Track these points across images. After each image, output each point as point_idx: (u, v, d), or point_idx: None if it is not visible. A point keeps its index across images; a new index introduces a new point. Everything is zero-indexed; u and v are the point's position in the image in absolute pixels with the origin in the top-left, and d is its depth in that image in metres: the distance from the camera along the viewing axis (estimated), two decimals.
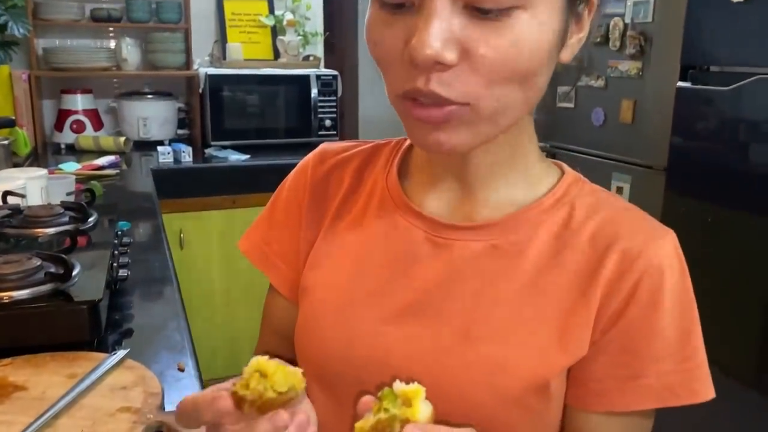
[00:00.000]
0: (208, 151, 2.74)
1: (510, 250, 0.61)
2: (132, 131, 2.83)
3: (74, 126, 2.74)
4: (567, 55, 0.57)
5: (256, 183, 2.48)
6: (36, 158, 2.56)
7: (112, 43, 2.87)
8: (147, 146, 2.75)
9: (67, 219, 1.28)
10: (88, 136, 2.71)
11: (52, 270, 0.96)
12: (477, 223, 0.62)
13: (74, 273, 0.96)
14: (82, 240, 1.19)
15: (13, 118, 1.88)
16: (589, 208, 0.62)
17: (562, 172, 0.65)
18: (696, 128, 1.91)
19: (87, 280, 0.98)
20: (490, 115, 0.53)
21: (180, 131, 3.00)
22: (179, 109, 2.99)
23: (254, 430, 0.48)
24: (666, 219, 2.00)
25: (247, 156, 2.66)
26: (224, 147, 2.77)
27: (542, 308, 0.59)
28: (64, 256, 0.99)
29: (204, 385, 0.90)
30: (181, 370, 0.91)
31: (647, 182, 2.14)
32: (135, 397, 0.80)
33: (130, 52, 2.81)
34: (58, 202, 1.43)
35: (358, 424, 0.46)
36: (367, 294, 0.64)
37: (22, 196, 1.35)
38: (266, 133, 2.85)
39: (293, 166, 0.76)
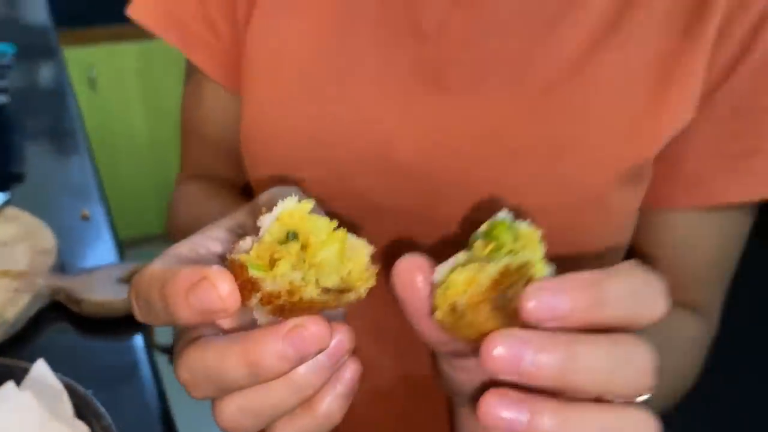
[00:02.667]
0: None
1: None
2: None
3: None
4: None
5: None
6: None
7: None
8: None
9: None
10: None
11: None
12: None
13: None
14: None
15: None
16: None
17: None
18: None
19: None
20: None
21: None
22: None
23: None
24: None
25: None
26: None
27: (626, 63, 0.40)
28: None
29: (121, 243, 0.67)
30: (86, 218, 0.67)
31: None
32: (19, 257, 0.59)
33: None
34: None
35: (457, 275, 0.26)
36: (350, 62, 0.43)
37: None
38: None
39: None
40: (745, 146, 0.42)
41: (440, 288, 0.26)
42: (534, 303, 0.23)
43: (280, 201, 0.26)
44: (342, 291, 0.26)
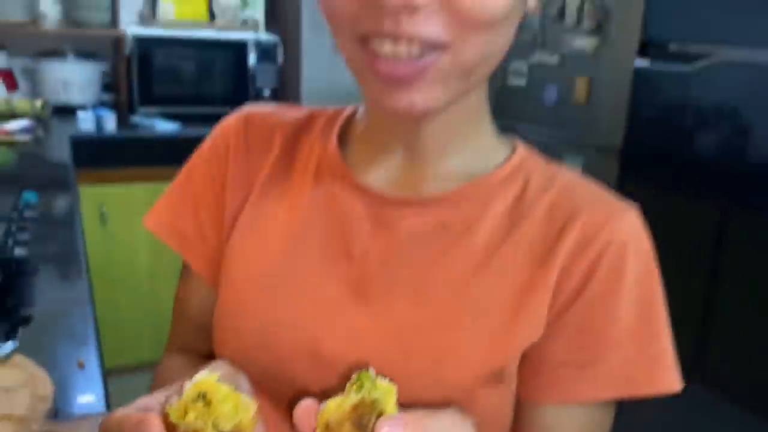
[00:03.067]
0: (134, 118, 2.54)
1: (459, 228, 0.55)
2: (51, 94, 2.59)
3: None
4: (533, 2, 0.52)
5: (185, 154, 2.29)
6: None
7: None
8: (68, 111, 2.52)
9: None
10: (0, 99, 2.46)
11: None
12: (424, 197, 0.56)
13: None
14: None
15: None
16: (545, 179, 0.57)
17: (516, 146, 0.60)
18: (654, 110, 1.85)
19: None
20: (466, 65, 0.48)
21: (104, 96, 2.78)
22: (104, 72, 2.76)
23: None
24: None
25: (177, 125, 2.48)
26: (152, 114, 2.57)
27: (494, 288, 0.53)
28: None
29: (106, 376, 0.76)
30: (81, 366, 0.76)
31: (600, 164, 2.08)
32: (19, 402, 0.66)
33: (50, 6, 2.56)
34: None
35: (331, 402, 0.41)
36: (297, 276, 0.56)
37: None
38: (198, 101, 2.66)
39: None
40: (588, 357, 0.52)
41: (320, 412, 0.40)
42: (384, 429, 0.38)
43: (198, 373, 0.41)
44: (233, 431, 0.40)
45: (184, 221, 0.63)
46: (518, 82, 2.42)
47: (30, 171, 1.82)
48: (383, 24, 0.45)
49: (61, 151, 2.08)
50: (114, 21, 2.67)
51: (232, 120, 0.64)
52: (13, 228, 1.01)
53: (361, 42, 0.47)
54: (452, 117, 0.55)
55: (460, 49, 0.46)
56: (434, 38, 0.45)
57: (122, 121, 2.50)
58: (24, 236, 1.01)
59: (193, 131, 2.46)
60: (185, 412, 0.39)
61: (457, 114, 0.55)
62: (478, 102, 0.56)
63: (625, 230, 0.53)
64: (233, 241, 0.60)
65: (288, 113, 0.65)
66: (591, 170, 2.11)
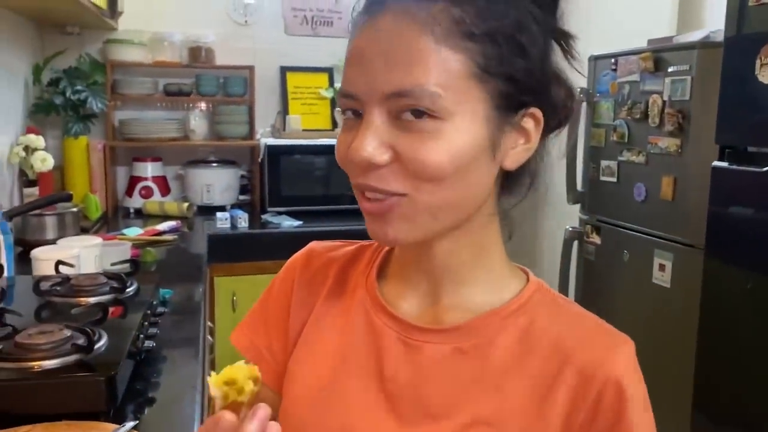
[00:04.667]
0: (264, 216, 2.88)
1: (474, 353, 0.64)
2: (196, 197, 3.01)
3: (143, 192, 2.94)
4: (510, 163, 0.62)
5: None
6: (106, 222, 2.76)
7: (182, 115, 3.08)
8: (210, 211, 2.91)
9: (107, 289, 1.39)
10: (155, 202, 2.90)
11: (80, 341, 1.06)
12: (443, 326, 0.66)
13: (97, 345, 1.05)
14: (117, 310, 1.29)
15: (71, 192, 2.06)
16: (551, 314, 0.65)
17: (527, 278, 0.69)
18: (732, 207, 1.88)
19: (110, 351, 1.07)
20: (427, 208, 0.60)
21: (242, 197, 3.16)
22: (242, 176, 3.16)
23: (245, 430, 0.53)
24: (707, 297, 1.95)
25: (300, 222, 2.78)
26: (279, 213, 2.90)
27: (504, 411, 0.62)
28: (89, 328, 1.08)
29: None
30: None
31: (688, 260, 2.09)
32: None
33: (198, 123, 3.01)
34: (110, 268, 1.55)
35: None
36: (342, 391, 0.68)
37: (71, 265, 1.48)
38: (320, 200, 2.96)
39: (343, 233, 0.83)
40: None
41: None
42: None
43: (212, 378, 0.57)
44: (255, 387, 0.58)
45: (258, 338, 0.77)
46: (610, 179, 2.50)
47: (171, 266, 2.13)
48: (357, 177, 0.60)
49: (199, 247, 2.42)
50: (251, 133, 3.07)
51: (299, 255, 0.79)
52: (145, 323, 1.27)
53: (356, 188, 0.62)
54: (462, 250, 0.65)
55: (415, 196, 0.59)
56: (392, 190, 0.59)
57: (254, 220, 2.83)
58: (152, 330, 1.27)
59: (313, 227, 2.75)
60: (226, 397, 0.57)
61: (466, 247, 0.65)
62: (485, 240, 0.66)
63: (620, 368, 0.61)
64: (294, 359, 0.73)
65: (343, 248, 0.78)
66: (680, 266, 2.12)
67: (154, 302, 1.41)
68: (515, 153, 0.62)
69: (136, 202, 2.94)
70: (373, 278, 0.72)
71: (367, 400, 0.66)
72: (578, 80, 0.66)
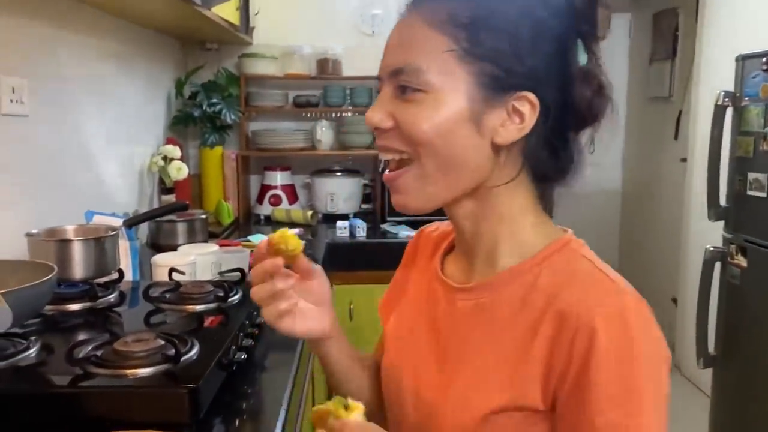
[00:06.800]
0: (383, 226, 2.88)
1: (488, 307, 0.75)
2: (321, 205, 3.08)
3: (272, 199, 3.06)
4: (501, 139, 0.71)
5: None
6: (237, 228, 2.90)
7: (310, 125, 3.17)
8: (333, 219, 2.96)
9: (212, 297, 1.43)
10: (282, 209, 3.01)
11: (171, 351, 1.09)
12: (470, 284, 0.79)
13: (187, 356, 1.08)
14: (216, 319, 1.33)
15: (187, 202, 2.17)
16: (555, 270, 0.71)
17: (556, 242, 0.75)
18: None
19: (199, 362, 1.10)
20: (432, 171, 0.71)
21: (365, 206, 3.20)
22: (365, 185, 3.19)
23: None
24: None
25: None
26: (399, 223, 2.89)
27: (499, 362, 0.71)
28: (184, 337, 1.12)
29: None
30: None
31: None
32: None
33: (324, 133, 3.09)
34: (223, 276, 1.61)
35: (314, 408, 0.72)
36: (411, 338, 0.85)
37: (182, 273, 1.55)
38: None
39: None
40: (585, 423, 0.64)
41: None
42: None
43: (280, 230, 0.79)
44: (293, 249, 0.78)
45: (385, 303, 0.99)
46: (758, 193, 2.23)
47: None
48: (377, 140, 0.75)
49: (319, 255, 2.47)
50: (374, 142, 3.09)
51: (414, 235, 0.99)
52: (240, 334, 1.29)
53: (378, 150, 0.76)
54: (483, 223, 0.77)
55: (420, 161, 0.71)
56: (396, 147, 0.72)
57: (374, 229, 2.85)
58: (247, 341, 1.29)
59: None
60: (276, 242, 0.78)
61: (486, 221, 0.76)
62: (505, 209, 0.75)
63: (597, 313, 0.64)
64: (391, 319, 0.94)
65: (443, 227, 0.93)
66: None
67: (255, 312, 1.43)
68: (506, 131, 0.70)
69: (265, 209, 3.07)
70: (442, 252, 0.88)
71: (425, 348, 0.82)
72: (610, 79, 0.73)
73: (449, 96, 0.68)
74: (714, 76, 3.16)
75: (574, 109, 0.71)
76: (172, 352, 1.08)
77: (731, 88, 2.37)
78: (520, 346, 0.69)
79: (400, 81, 0.70)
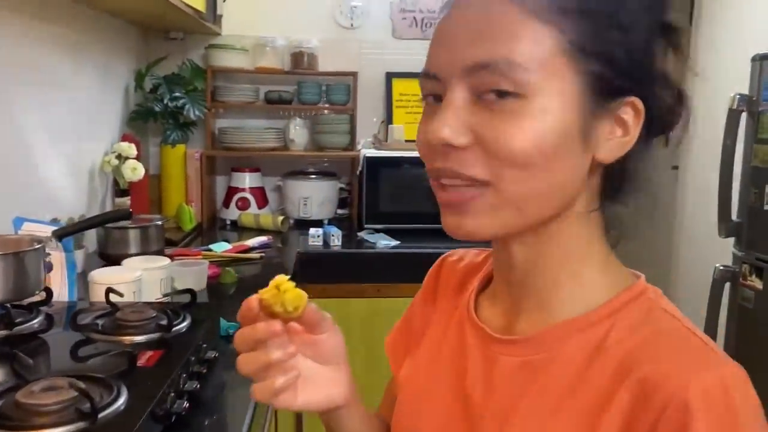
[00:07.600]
0: (360, 234, 2.67)
1: (540, 367, 0.60)
2: (293, 210, 2.85)
3: (239, 203, 2.83)
4: (605, 155, 0.57)
5: (404, 271, 2.32)
6: (199, 234, 2.66)
7: (282, 124, 2.94)
8: (307, 225, 2.74)
9: (153, 326, 1.21)
10: (250, 214, 2.78)
11: (86, 406, 0.86)
12: (514, 336, 0.63)
13: (108, 410, 0.86)
14: (154, 356, 1.11)
15: (130, 210, 1.94)
16: (632, 327, 0.57)
17: (630, 288, 0.60)
18: None
19: (125, 417, 0.87)
20: (513, 199, 0.55)
21: (340, 211, 2.98)
22: (341, 189, 2.98)
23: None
24: None
25: (397, 242, 2.53)
26: (377, 230, 2.68)
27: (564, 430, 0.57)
28: (91, 392, 0.89)
29: None
30: None
31: None
32: None
33: (298, 132, 2.86)
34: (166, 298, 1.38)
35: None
36: (434, 390, 0.69)
37: (120, 294, 1.31)
38: (421, 218, 2.68)
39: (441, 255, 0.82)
40: None
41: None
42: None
43: (278, 276, 0.60)
44: (292, 311, 0.59)
45: (397, 341, 0.81)
46: None
47: (250, 288, 1.97)
48: (436, 161, 0.56)
49: (289, 266, 2.25)
50: (352, 144, 2.89)
51: (434, 264, 0.81)
52: (185, 374, 1.06)
53: (433, 175, 0.58)
54: (544, 251, 0.61)
55: (499, 186, 0.54)
56: (473, 176, 0.54)
57: (349, 237, 2.63)
58: (193, 384, 1.06)
59: (411, 248, 2.49)
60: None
61: (548, 256, 0.61)
62: (572, 243, 0.60)
63: (693, 388, 0.50)
64: (408, 364, 0.77)
65: (469, 257, 0.78)
66: None
67: (204, 345, 1.21)
68: (610, 145, 0.57)
69: (232, 213, 2.83)
70: (475, 289, 0.72)
71: (450, 402, 0.66)
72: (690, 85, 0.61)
73: (555, 102, 0.54)
74: (713, 77, 3.00)
75: (660, 116, 0.59)
76: (88, 407, 0.85)
77: (727, 89, 2.18)
78: (586, 421, 0.55)
79: (486, 83, 0.54)
